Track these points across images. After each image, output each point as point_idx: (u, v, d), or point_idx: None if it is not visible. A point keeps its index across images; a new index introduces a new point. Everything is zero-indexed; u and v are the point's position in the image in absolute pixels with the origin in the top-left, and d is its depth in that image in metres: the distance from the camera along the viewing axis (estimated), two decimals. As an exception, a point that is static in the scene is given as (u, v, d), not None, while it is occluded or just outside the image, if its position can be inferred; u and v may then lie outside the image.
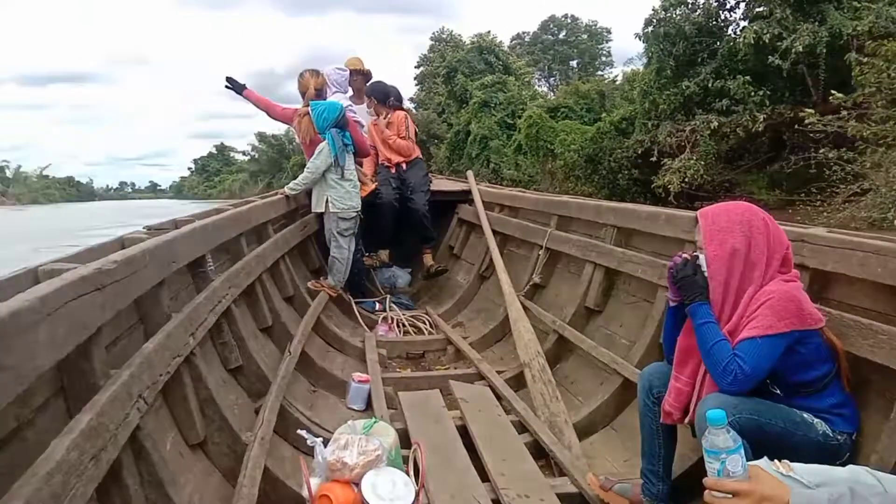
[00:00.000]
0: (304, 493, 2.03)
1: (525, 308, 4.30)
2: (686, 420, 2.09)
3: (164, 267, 2.19)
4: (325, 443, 2.15)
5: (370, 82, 5.98)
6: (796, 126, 10.24)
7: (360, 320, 4.93)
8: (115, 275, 1.73)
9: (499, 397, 3.42)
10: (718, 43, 12.87)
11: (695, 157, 12.36)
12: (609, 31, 55.66)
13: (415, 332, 4.84)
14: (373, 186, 5.47)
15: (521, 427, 3.07)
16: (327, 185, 4.82)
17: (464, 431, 2.94)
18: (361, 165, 5.55)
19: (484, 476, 2.52)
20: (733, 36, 12.75)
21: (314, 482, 2.05)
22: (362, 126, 5.76)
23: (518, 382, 3.65)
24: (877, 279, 2.01)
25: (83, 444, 1.43)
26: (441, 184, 6.60)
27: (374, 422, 2.34)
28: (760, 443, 1.70)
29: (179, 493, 1.93)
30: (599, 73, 46.01)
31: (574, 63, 52.84)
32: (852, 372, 1.97)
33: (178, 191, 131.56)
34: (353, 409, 3.38)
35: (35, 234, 27.37)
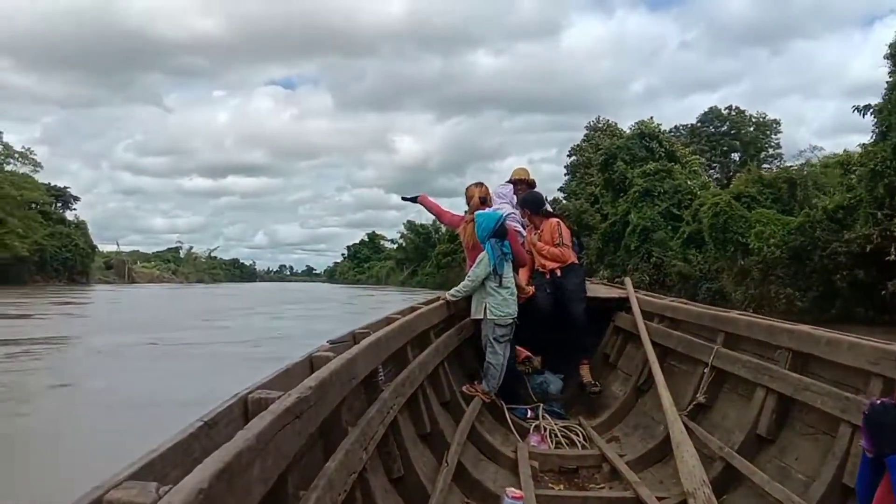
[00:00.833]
0: None
1: (688, 429, 4.08)
2: None
3: (346, 384, 2.38)
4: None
5: (525, 194, 6.19)
6: None
7: (513, 428, 4.92)
8: (310, 400, 1.91)
9: None
10: None
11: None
12: (778, 123, 53.55)
13: (568, 445, 4.74)
14: (529, 292, 5.57)
15: None
16: (486, 293, 5.00)
17: None
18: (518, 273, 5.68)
19: None
20: None
21: None
22: (523, 236, 5.96)
23: None
24: None
25: None
26: (597, 290, 6.55)
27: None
28: None
29: None
30: (766, 166, 43.65)
31: (736, 156, 50.84)
32: None
33: (331, 275, 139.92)
34: (506, 527, 3.34)
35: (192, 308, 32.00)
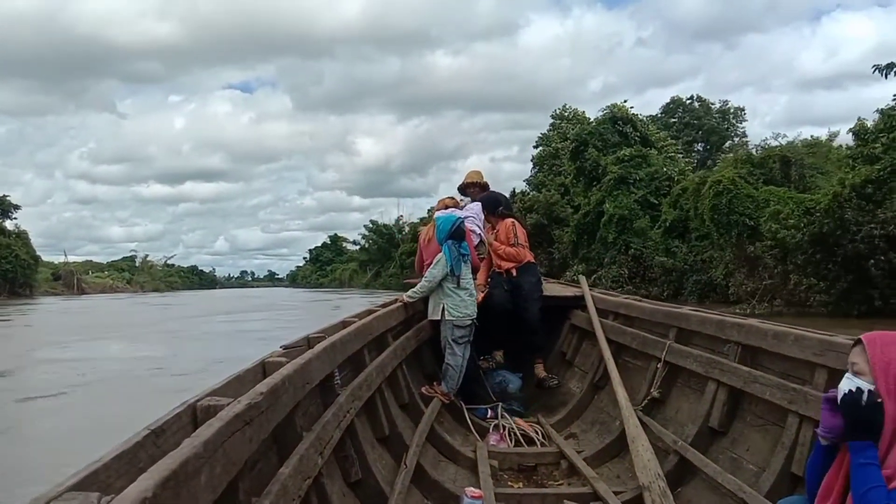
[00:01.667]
0: None
1: (643, 423, 4.15)
2: None
3: (300, 389, 2.35)
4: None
5: (482, 195, 6.26)
6: None
7: (472, 428, 4.93)
8: (261, 406, 1.88)
9: None
10: None
11: None
12: (742, 110, 53.07)
13: (527, 443, 4.78)
14: (485, 292, 5.63)
15: None
16: (444, 294, 5.02)
17: None
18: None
19: None
20: None
21: None
22: (482, 242, 6.03)
23: None
24: None
25: None
26: (553, 288, 6.62)
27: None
28: None
29: None
30: (730, 155, 43.60)
31: (700, 146, 50.43)
32: None
33: (293, 279, 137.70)
34: (466, 527, 3.35)
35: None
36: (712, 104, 52.66)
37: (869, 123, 16.69)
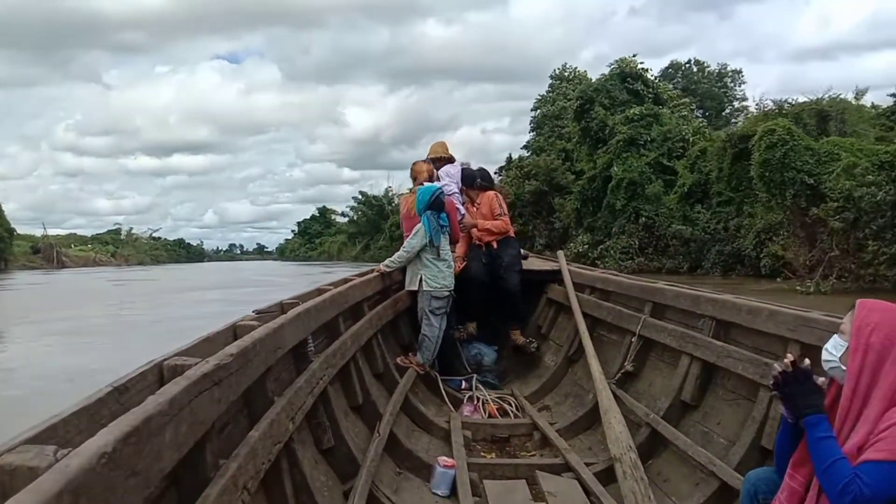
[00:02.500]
0: None
1: (616, 396, 4.18)
2: None
3: (272, 354, 2.31)
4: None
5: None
6: None
7: (446, 399, 4.94)
8: (231, 368, 1.84)
9: (587, 492, 3.31)
10: None
11: None
12: (740, 73, 50.25)
13: (501, 414, 4.80)
14: (464, 264, 5.62)
15: None
16: (422, 265, 4.99)
17: None
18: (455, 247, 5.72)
19: None
20: None
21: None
22: (461, 214, 5.99)
23: (608, 477, 3.51)
24: None
25: None
26: (531, 263, 6.62)
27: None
28: None
29: None
30: (734, 121, 40.75)
31: (699, 112, 47.24)
32: None
33: (282, 253, 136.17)
34: (438, 495, 3.36)
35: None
36: (709, 67, 50.09)
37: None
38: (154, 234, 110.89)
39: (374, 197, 68.15)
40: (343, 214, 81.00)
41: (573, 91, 35.09)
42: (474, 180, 6.07)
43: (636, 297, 4.78)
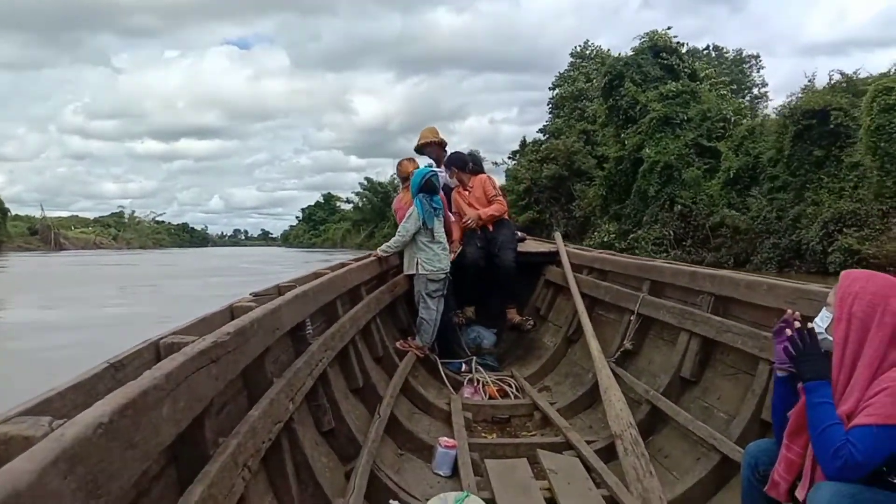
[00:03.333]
0: None
1: (616, 375, 4.19)
2: (794, 494, 1.96)
3: (270, 334, 2.30)
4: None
5: (449, 154, 6.21)
6: None
7: (447, 381, 4.95)
8: (228, 346, 1.83)
9: (588, 469, 3.32)
10: None
11: None
12: (757, 58, 47.35)
13: (501, 396, 4.81)
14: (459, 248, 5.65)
15: (612, 502, 2.97)
16: (417, 248, 4.99)
17: None
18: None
19: None
20: None
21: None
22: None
23: (609, 454, 3.52)
24: None
25: None
26: (528, 245, 6.62)
27: (466, 496, 2.33)
28: None
29: None
30: (761, 107, 37.53)
31: None
32: None
33: (286, 239, 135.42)
34: (439, 475, 3.37)
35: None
36: (727, 53, 47.02)
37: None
38: (157, 218, 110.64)
39: (380, 184, 67.32)
40: (348, 201, 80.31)
41: (596, 70, 32.69)
42: (466, 164, 6.05)
43: (634, 275, 4.77)
